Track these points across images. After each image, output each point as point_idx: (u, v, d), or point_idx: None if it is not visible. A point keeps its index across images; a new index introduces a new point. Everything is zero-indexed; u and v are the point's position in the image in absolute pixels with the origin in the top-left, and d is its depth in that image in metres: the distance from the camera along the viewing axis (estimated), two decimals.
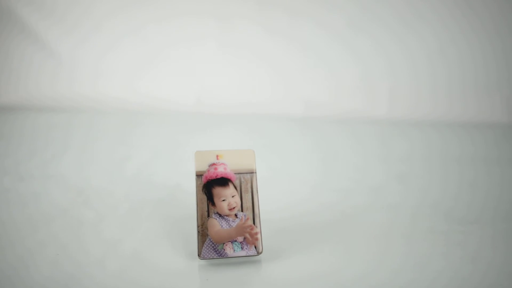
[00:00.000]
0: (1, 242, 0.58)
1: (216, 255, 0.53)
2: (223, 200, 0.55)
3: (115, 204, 0.70)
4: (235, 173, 0.56)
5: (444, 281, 0.51)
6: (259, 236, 0.54)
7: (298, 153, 0.99)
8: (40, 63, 1.25)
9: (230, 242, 0.53)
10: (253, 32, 1.23)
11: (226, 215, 0.55)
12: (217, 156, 0.57)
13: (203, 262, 0.54)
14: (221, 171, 0.56)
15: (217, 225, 0.54)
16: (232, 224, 0.54)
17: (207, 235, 0.53)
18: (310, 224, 0.64)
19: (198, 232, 0.54)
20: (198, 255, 0.53)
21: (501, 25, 1.19)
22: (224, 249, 0.53)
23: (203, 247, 0.53)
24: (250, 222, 0.54)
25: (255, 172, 0.57)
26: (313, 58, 1.25)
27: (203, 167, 0.56)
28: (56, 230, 0.61)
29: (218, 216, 0.55)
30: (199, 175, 0.56)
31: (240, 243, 0.54)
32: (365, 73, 1.25)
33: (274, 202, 0.69)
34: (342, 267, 0.53)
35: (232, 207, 0.55)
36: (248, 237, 0.54)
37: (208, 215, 0.54)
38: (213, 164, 0.57)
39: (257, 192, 0.56)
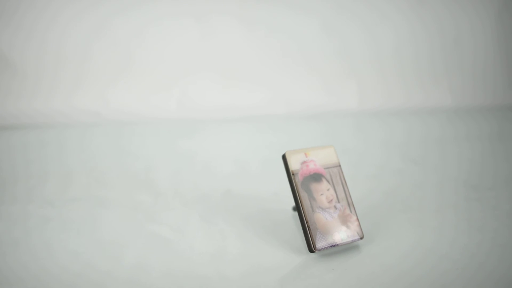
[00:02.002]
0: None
1: (328, 245, 0.56)
2: (321, 195, 0.59)
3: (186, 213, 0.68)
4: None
5: (503, 239, 0.62)
6: (358, 222, 0.59)
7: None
8: None
9: (336, 232, 0.57)
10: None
11: (327, 208, 0.58)
12: (305, 154, 0.60)
13: (313, 254, 0.57)
14: (312, 167, 0.60)
15: (322, 218, 0.57)
16: (334, 215, 0.58)
17: (317, 229, 0.57)
18: None
19: (308, 227, 0.56)
20: (312, 249, 0.55)
21: (449, 20, 1.39)
22: (333, 239, 0.57)
23: (316, 240, 0.56)
24: (348, 211, 0.59)
25: (340, 166, 0.62)
26: (288, 58, 1.32)
27: (296, 166, 0.59)
28: (141, 252, 0.58)
29: (321, 209, 0.58)
30: (293, 174, 0.59)
31: (345, 231, 0.58)
32: (337, 68, 1.36)
33: None
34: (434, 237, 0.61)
35: (330, 199, 0.59)
36: (350, 225, 0.58)
37: (312, 210, 0.58)
38: (304, 161, 0.60)
39: (346, 183, 0.61)
